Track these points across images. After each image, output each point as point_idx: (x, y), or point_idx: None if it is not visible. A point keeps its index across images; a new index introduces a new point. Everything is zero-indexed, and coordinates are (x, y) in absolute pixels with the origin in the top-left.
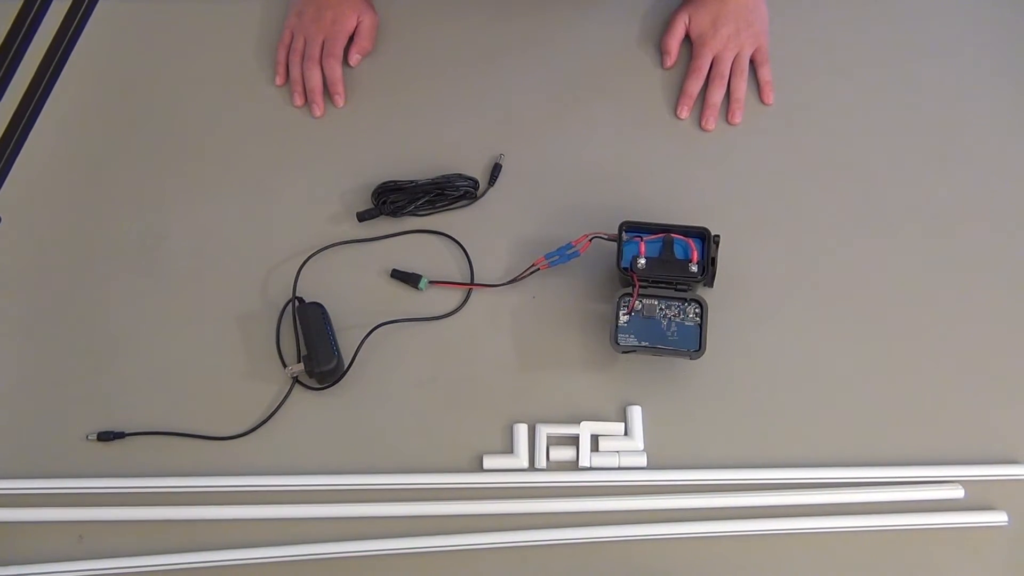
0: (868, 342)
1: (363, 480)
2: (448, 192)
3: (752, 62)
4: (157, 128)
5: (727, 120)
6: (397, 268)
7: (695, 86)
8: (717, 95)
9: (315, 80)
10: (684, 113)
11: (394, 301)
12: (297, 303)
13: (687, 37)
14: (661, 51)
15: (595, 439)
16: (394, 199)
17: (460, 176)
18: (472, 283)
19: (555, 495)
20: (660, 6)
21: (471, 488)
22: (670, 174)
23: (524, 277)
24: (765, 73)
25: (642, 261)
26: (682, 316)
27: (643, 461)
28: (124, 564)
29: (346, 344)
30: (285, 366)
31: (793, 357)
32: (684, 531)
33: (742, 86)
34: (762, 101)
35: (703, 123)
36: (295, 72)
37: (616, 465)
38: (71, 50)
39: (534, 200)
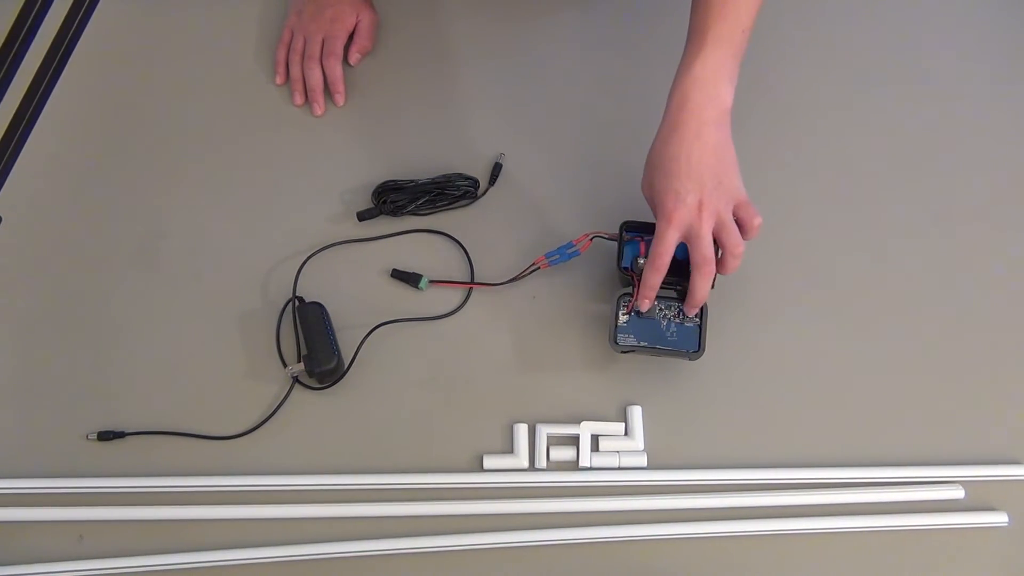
0: (868, 342)
1: (363, 480)
2: (448, 192)
3: (737, 220)
4: (157, 128)
5: (719, 271)
6: (397, 268)
7: (707, 284)
8: (705, 286)
9: (315, 79)
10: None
11: (394, 301)
12: (297, 303)
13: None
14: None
15: (595, 439)
16: (394, 199)
17: (460, 176)
18: (472, 282)
19: (555, 495)
20: (660, 4)
21: (471, 488)
22: None
23: (524, 276)
24: (752, 222)
25: (643, 261)
26: (681, 317)
27: (643, 461)
28: (124, 564)
29: (346, 344)
30: (285, 366)
31: (793, 357)
32: (684, 531)
33: (734, 240)
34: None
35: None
36: (295, 71)
37: (616, 465)
38: (72, 50)
39: (534, 200)
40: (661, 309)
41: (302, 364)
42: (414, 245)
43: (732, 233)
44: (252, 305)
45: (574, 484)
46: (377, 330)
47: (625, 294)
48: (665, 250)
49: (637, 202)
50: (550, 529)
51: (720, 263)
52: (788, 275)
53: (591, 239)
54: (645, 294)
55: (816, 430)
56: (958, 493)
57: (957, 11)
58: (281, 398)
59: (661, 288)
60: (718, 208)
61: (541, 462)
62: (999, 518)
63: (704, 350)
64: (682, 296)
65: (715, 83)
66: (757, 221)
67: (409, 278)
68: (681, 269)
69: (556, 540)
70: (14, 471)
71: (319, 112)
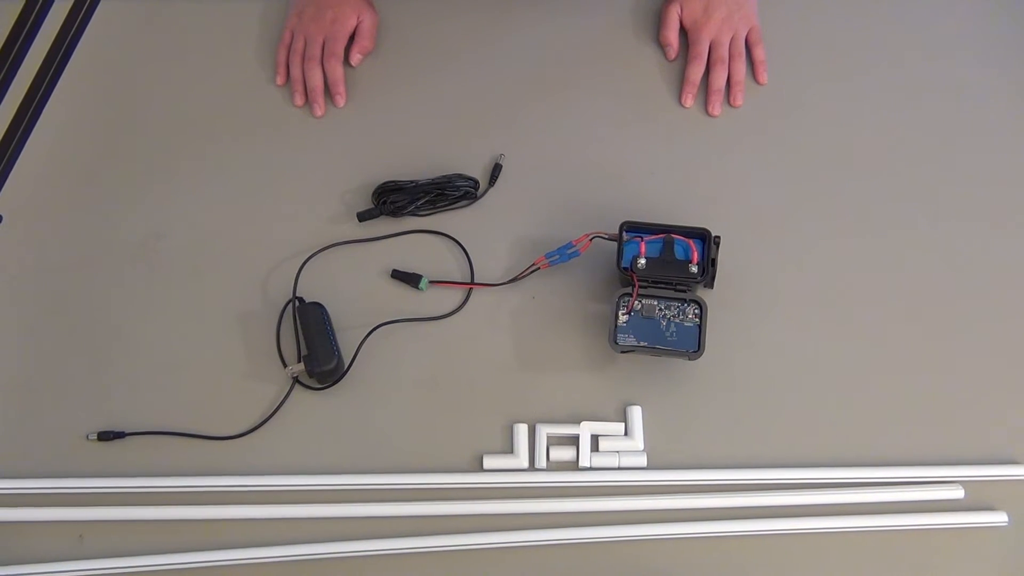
0: (868, 342)
1: (363, 480)
2: (448, 192)
3: (746, 43)
4: (157, 128)
5: (730, 103)
6: (397, 268)
7: (697, 73)
8: (720, 79)
9: (316, 80)
10: (689, 101)
11: (394, 301)
12: (297, 303)
13: (682, 27)
14: (661, 45)
15: (595, 439)
16: (394, 199)
17: (460, 176)
18: (472, 283)
19: (555, 495)
20: (655, 1)
21: (471, 488)
22: (671, 173)
23: (524, 276)
24: (759, 53)
25: (642, 261)
26: (681, 317)
27: (643, 461)
28: (124, 564)
29: (346, 344)
30: (285, 366)
31: (793, 357)
32: (684, 531)
33: (741, 68)
34: (757, 81)
35: (709, 108)
36: (296, 72)
37: (616, 465)
38: (73, 50)
39: (534, 200)
40: (660, 309)
41: (302, 364)
42: (414, 245)
43: (738, 64)
44: (252, 305)
45: (574, 484)
46: (377, 330)
47: (624, 294)
48: (703, 50)
49: (637, 202)
50: (550, 529)
51: (731, 95)
52: (788, 275)
53: (591, 239)
54: (689, 90)
55: (815, 430)
56: (958, 493)
57: (960, 8)
58: (281, 398)
59: (660, 288)
60: (736, 27)
61: (541, 462)
62: (999, 518)
63: (704, 350)
64: (680, 296)
65: None
66: (760, 51)
67: (409, 278)
68: (680, 268)
69: (556, 540)
70: (14, 471)
71: (319, 113)
